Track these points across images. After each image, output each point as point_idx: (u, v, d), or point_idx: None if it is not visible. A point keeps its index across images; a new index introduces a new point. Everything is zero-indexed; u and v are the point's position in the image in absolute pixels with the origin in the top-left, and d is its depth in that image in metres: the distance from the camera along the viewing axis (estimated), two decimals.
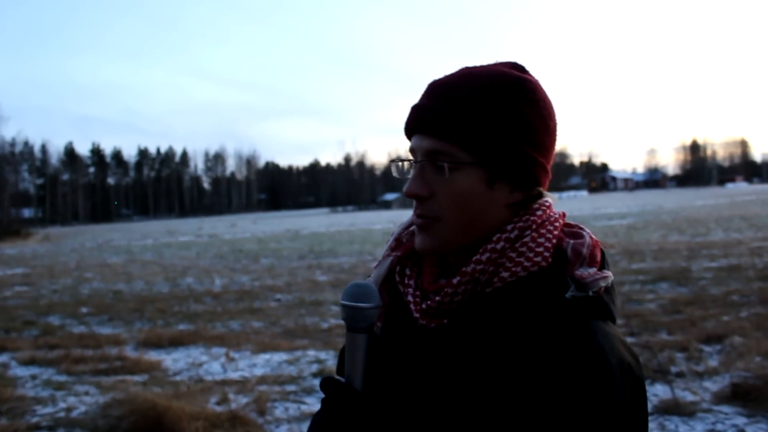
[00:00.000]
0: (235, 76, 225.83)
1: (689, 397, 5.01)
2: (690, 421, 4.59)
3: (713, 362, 5.93)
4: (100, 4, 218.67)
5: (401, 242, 1.05)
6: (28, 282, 16.01)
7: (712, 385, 5.28)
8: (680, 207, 41.51)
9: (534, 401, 0.82)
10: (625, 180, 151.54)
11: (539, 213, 0.94)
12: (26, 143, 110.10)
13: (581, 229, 0.97)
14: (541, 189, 0.96)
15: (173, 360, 7.21)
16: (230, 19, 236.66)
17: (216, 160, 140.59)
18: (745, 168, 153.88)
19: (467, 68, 0.96)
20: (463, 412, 0.86)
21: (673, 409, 4.76)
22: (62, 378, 6.56)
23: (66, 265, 20.64)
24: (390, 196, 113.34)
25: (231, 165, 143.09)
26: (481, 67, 0.96)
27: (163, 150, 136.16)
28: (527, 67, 0.99)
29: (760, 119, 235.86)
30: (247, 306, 10.65)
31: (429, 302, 0.94)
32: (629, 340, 6.57)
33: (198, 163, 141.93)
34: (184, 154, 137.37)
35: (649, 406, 4.84)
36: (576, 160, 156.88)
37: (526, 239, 0.91)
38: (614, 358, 0.84)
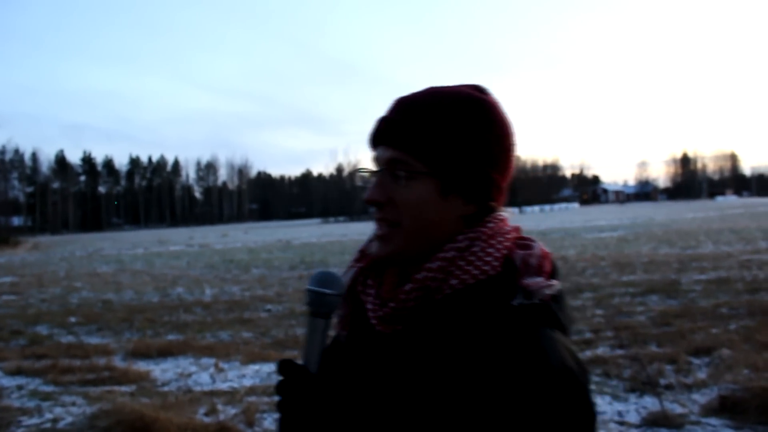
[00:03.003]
0: (228, 84, 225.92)
1: (678, 410, 5.03)
2: None
3: (702, 375, 5.95)
4: (92, 10, 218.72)
5: (365, 254, 1.08)
6: (16, 291, 15.88)
7: (701, 398, 5.30)
8: (670, 219, 41.74)
9: (476, 403, 0.85)
10: (617, 192, 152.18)
11: (491, 225, 0.98)
12: (17, 151, 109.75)
13: (533, 241, 1.00)
14: (493, 204, 1.00)
15: (162, 370, 7.16)
16: (224, 27, 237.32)
17: (208, 169, 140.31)
18: (735, 181, 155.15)
19: (433, 87, 1.02)
20: (409, 413, 0.90)
21: (662, 421, 4.78)
22: (49, 388, 6.51)
23: (55, 274, 20.50)
24: None
25: (223, 174, 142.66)
26: (446, 86, 1.02)
27: (154, 159, 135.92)
28: (489, 89, 1.04)
29: (750, 133, 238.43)
30: (237, 316, 10.60)
31: (385, 309, 0.98)
32: (618, 352, 6.54)
33: (190, 173, 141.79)
34: (176, 163, 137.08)
35: (638, 418, 4.88)
36: (568, 172, 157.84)
37: (475, 249, 0.96)
38: (556, 362, 0.86)
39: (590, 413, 0.88)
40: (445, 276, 0.95)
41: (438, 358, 0.90)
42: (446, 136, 0.96)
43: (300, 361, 0.98)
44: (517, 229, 1.02)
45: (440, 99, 0.98)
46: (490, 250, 0.95)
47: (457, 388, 0.87)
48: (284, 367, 0.95)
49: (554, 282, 0.94)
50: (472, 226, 0.98)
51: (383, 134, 1.00)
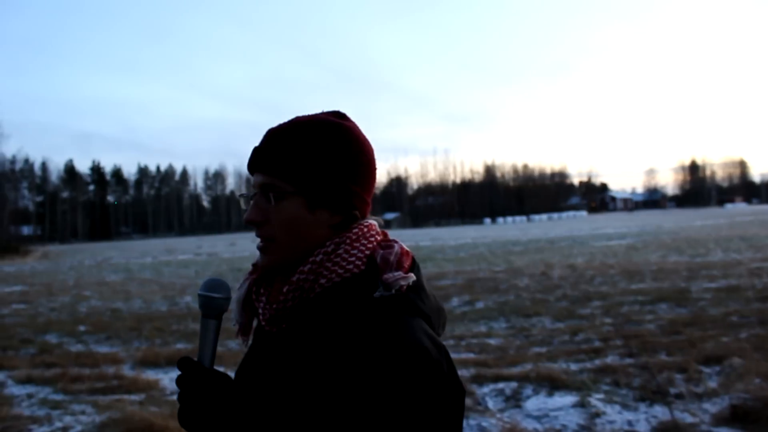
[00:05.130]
0: (236, 92, 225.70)
1: (688, 419, 4.99)
2: None
3: (712, 384, 5.91)
4: (101, 18, 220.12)
5: (257, 267, 1.20)
6: (26, 300, 15.96)
7: (712, 407, 5.26)
8: (679, 227, 41.53)
9: (344, 383, 0.96)
10: (625, 200, 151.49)
11: (355, 231, 1.12)
12: (26, 160, 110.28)
13: (395, 242, 1.14)
14: (357, 212, 1.13)
15: (170, 379, 7.17)
16: (232, 35, 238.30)
17: (216, 178, 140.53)
18: (744, 188, 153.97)
19: (297, 117, 1.16)
20: (293, 396, 1.01)
21: (673, 430, 4.75)
22: (59, 397, 6.53)
23: (64, 283, 20.59)
24: (390, 216, 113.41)
25: (231, 183, 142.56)
26: (308, 115, 1.16)
27: (162, 168, 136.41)
28: (347, 115, 1.18)
29: (759, 140, 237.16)
30: None
31: (270, 310, 1.11)
32: (628, 361, 6.48)
33: (198, 182, 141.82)
34: (184, 173, 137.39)
35: (648, 428, 4.85)
36: (575, 180, 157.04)
37: (340, 251, 1.09)
38: (410, 342, 0.97)
39: (448, 389, 0.98)
40: (315, 276, 1.08)
41: (314, 348, 1.03)
42: (307, 158, 1.09)
43: (195, 358, 1.11)
44: (383, 234, 1.17)
45: (301, 126, 1.12)
46: (354, 251, 1.09)
47: (329, 371, 0.98)
48: (182, 363, 1.08)
49: (411, 275, 1.07)
50: (339, 232, 1.12)
51: (255, 162, 1.14)
